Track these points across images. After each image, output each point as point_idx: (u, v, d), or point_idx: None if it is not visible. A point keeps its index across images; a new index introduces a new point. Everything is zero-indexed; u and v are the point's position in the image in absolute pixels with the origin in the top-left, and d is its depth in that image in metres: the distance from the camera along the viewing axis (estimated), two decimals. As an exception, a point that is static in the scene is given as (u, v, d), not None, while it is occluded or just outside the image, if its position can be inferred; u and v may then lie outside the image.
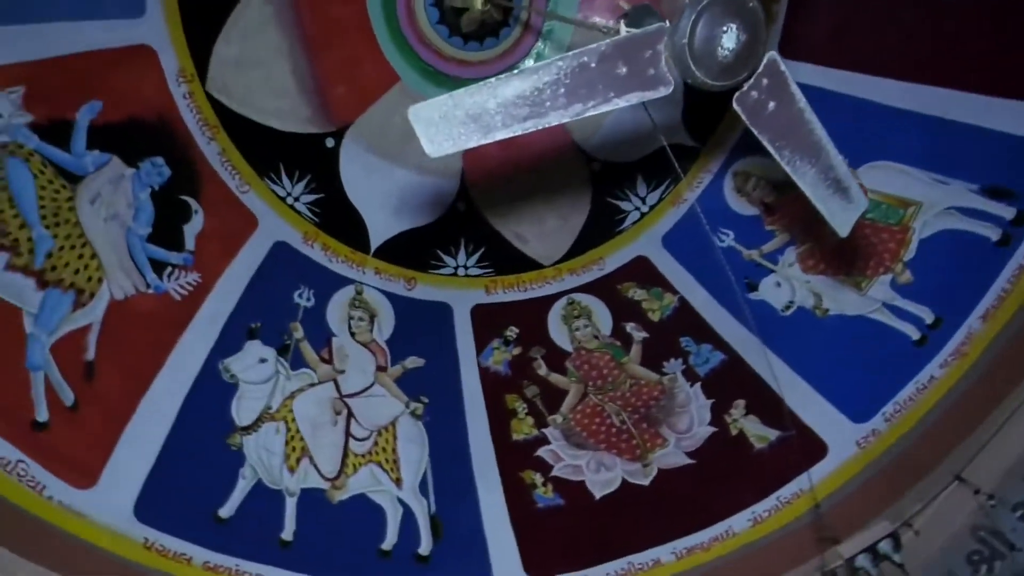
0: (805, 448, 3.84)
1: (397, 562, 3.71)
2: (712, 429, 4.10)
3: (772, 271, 4.19)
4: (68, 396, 3.21)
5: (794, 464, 3.88)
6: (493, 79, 2.01)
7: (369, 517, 3.77)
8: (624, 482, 4.04)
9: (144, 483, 3.27)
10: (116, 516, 3.17)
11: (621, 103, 2.08)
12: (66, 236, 3.33)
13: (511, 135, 2.05)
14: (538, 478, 4.03)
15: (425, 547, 3.77)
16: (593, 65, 2.01)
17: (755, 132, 2.21)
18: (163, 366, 3.52)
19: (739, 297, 4.08)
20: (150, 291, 3.57)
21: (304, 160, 4.12)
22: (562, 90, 2.03)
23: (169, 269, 3.65)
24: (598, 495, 4.02)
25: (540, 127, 2.07)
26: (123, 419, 3.33)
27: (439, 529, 3.82)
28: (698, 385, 4.19)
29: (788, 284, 4.17)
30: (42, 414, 3.11)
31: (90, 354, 3.31)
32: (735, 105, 2.14)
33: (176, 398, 3.51)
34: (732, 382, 4.14)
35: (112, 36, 3.44)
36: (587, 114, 2.07)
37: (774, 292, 4.17)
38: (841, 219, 2.46)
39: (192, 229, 3.75)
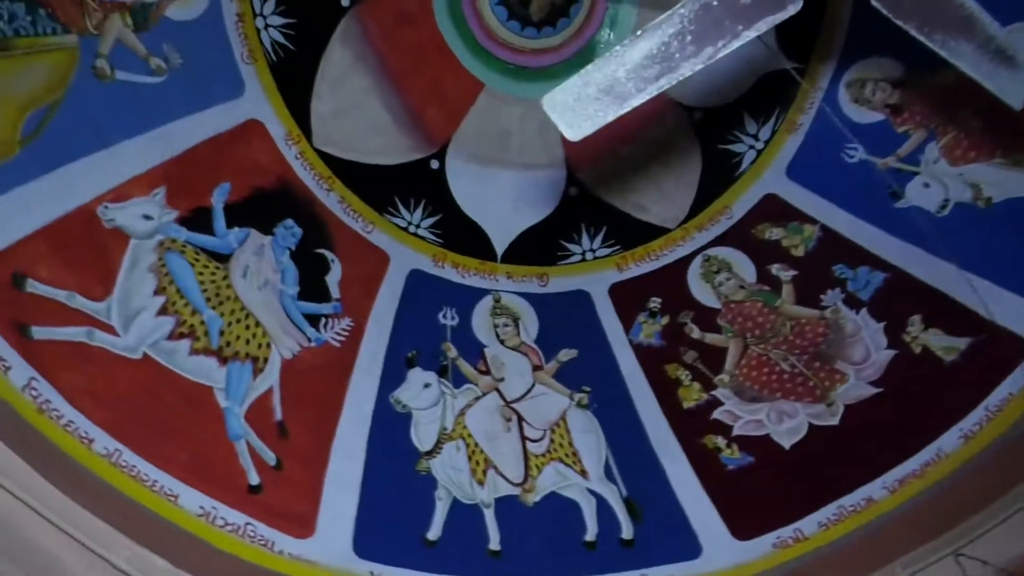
0: (1004, 350, 3.54)
1: (604, 551, 3.72)
2: (892, 352, 3.85)
3: (916, 173, 3.89)
4: (270, 457, 3.43)
5: (994, 369, 3.59)
6: (618, 47, 1.97)
7: (566, 513, 3.81)
8: (811, 426, 3.87)
9: (355, 521, 3.45)
10: (340, 557, 3.35)
11: (752, 34, 1.99)
12: (231, 312, 3.57)
13: (648, 97, 2.01)
14: (721, 441, 3.93)
15: (627, 531, 3.76)
16: (715, 3, 1.93)
17: (900, 23, 2.05)
18: (342, 410, 3.70)
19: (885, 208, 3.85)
20: (312, 344, 3.77)
21: (415, 187, 4.23)
22: (689, 38, 1.96)
23: (323, 320, 3.84)
24: (787, 445, 3.87)
25: (674, 82, 2.02)
26: (321, 467, 3.52)
27: (636, 511, 3.80)
28: (864, 311, 3.95)
29: (938, 182, 3.86)
30: (253, 478, 3.34)
31: (278, 414, 3.53)
32: (873, 1, 2.00)
33: (361, 437, 3.68)
34: (901, 299, 3.88)
35: (224, 119, 3.66)
36: (719, 55, 2.00)
37: (924, 194, 3.87)
38: (1013, 91, 2.24)
39: (333, 278, 3.93)
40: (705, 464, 3.89)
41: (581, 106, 2.01)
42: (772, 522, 3.70)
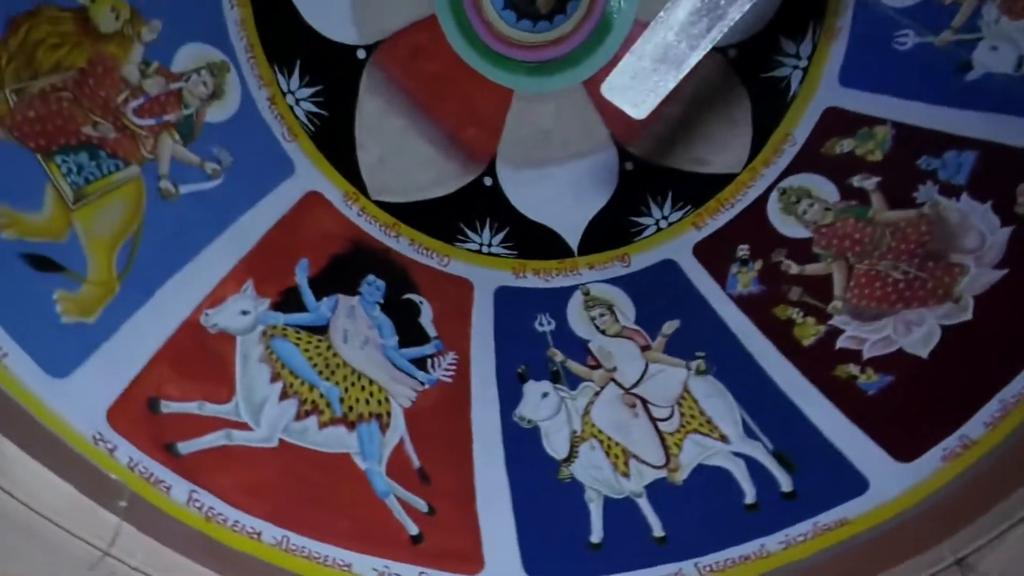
0: None
1: (767, 510, 3.63)
2: (1008, 229, 3.60)
3: (980, 39, 3.65)
4: (421, 504, 3.52)
5: None
6: (661, 12, 1.92)
7: (718, 482, 3.73)
8: (944, 328, 3.66)
9: (519, 544, 3.48)
10: (515, 583, 3.40)
11: (791, -44, 1.91)
12: (344, 378, 3.67)
13: (703, 53, 1.96)
14: (853, 368, 3.77)
15: (786, 484, 3.66)
16: (747, -62, 1.87)
17: None
18: (472, 441, 3.75)
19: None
20: (426, 387, 3.85)
21: (476, 209, 4.26)
22: (729, -19, 1.90)
23: (429, 361, 3.92)
24: (925, 354, 3.67)
25: (725, 29, 1.96)
26: (471, 501, 3.58)
27: (789, 462, 3.69)
28: (964, 195, 3.72)
29: (1006, 40, 3.60)
30: (412, 528, 3.44)
31: (416, 462, 3.62)
32: None
33: (498, 462, 3.73)
34: (1001, 172, 3.64)
35: (284, 200, 3.79)
36: (764, -12, 1.93)
37: (995, 58, 3.62)
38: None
39: (426, 318, 4.01)
40: (844, 396, 3.73)
41: (640, 82, 1.98)
42: (933, 435, 3.50)
